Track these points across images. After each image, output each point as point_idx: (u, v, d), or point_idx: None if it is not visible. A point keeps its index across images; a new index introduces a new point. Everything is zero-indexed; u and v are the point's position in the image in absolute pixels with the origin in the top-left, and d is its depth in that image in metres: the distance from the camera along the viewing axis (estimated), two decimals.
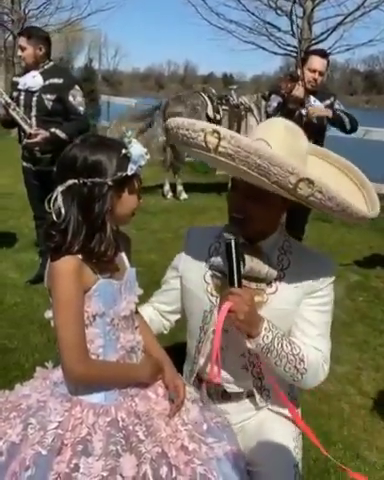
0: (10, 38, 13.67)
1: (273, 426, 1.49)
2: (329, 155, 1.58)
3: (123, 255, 1.34)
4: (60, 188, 1.17)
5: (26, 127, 3.32)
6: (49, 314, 1.22)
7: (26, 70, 3.48)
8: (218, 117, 6.81)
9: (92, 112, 11.66)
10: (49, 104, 3.37)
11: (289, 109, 3.67)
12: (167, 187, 6.81)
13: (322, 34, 9.49)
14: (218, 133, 1.21)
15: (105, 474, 1.09)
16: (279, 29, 9.97)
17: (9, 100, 3.33)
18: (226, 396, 1.52)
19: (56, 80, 3.38)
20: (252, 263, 1.37)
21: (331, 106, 3.81)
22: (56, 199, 1.16)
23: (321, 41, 9.50)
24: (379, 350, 3.13)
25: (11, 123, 3.45)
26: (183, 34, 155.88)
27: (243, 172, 1.23)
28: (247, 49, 10.77)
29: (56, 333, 1.18)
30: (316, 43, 9.41)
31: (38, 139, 3.27)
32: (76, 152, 1.18)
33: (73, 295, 1.16)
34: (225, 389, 1.51)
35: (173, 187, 6.81)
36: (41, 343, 2.82)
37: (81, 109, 3.41)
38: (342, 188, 1.35)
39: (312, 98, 3.75)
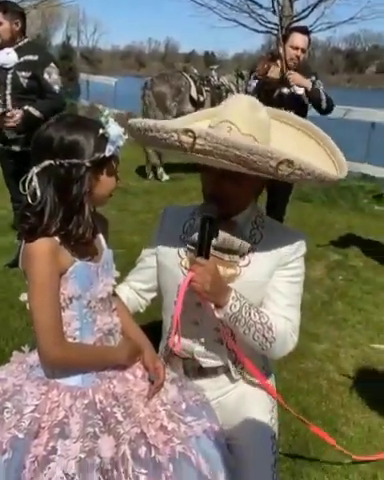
0: None
1: (250, 400, 1.53)
2: (287, 116, 1.59)
3: (100, 237, 1.33)
4: (35, 169, 1.14)
5: None
6: (24, 297, 1.20)
7: (0, 47, 3.39)
8: (201, 98, 6.77)
9: (71, 91, 11.43)
10: (24, 81, 3.29)
11: (266, 90, 3.63)
12: (148, 168, 6.75)
13: (303, 11, 9.43)
14: (192, 132, 1.21)
15: (83, 456, 1.10)
16: (260, 6, 9.88)
17: None
18: (202, 372, 1.54)
19: (31, 57, 3.30)
20: (225, 235, 1.40)
21: (312, 84, 3.75)
22: (31, 180, 1.13)
23: (302, 18, 9.44)
24: (357, 327, 3.18)
25: None
26: (164, 11, 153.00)
27: (221, 164, 1.24)
28: (228, 26, 10.70)
29: (31, 316, 1.16)
30: (297, 20, 9.33)
31: (16, 119, 3.20)
32: (52, 132, 1.15)
33: (48, 277, 1.15)
34: (201, 364, 1.54)
35: (154, 168, 6.75)
36: (20, 327, 2.81)
37: (56, 87, 3.33)
38: (309, 150, 1.43)
39: None
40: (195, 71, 6.98)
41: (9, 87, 3.29)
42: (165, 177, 6.71)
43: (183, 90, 6.67)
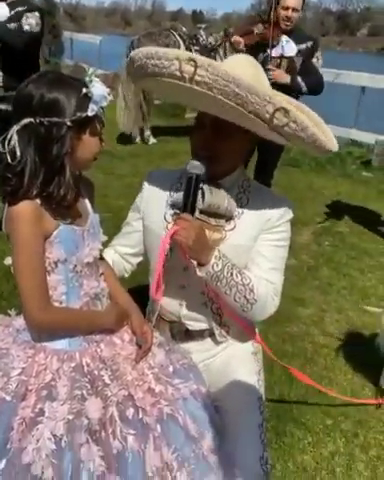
0: None
1: (236, 362, 1.55)
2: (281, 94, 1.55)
3: (86, 201, 1.30)
4: (15, 127, 1.10)
5: None
6: (9, 260, 1.18)
7: None
8: None
9: (54, 49, 11.04)
10: None
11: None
12: (135, 131, 6.61)
13: None
14: (194, 61, 1.17)
15: (71, 417, 1.11)
16: None
17: None
18: (189, 335, 1.56)
19: (20, 8, 3.22)
20: (212, 198, 1.39)
21: (306, 53, 3.52)
22: (11, 139, 1.09)
23: None
24: (342, 293, 3.22)
25: None
26: None
27: (218, 103, 1.20)
28: None
29: (16, 280, 1.15)
30: None
31: None
32: (32, 89, 1.10)
33: (32, 240, 1.13)
34: (187, 328, 1.55)
35: (141, 131, 6.61)
36: (7, 291, 2.79)
37: (26, 28, 3.20)
38: None
39: (284, 38, 3.47)
40: (184, 29, 6.74)
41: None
42: (152, 140, 6.59)
43: None
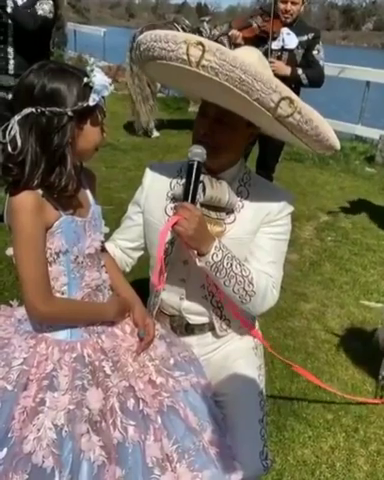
0: None
1: (237, 357, 1.55)
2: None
3: (87, 192, 1.29)
4: (17, 117, 1.10)
5: None
6: (10, 251, 1.18)
7: None
8: None
9: (58, 41, 10.97)
10: None
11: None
12: (138, 124, 6.59)
13: None
14: (202, 45, 1.15)
15: (72, 407, 1.11)
16: None
17: None
18: (189, 329, 1.56)
19: None
20: (212, 191, 1.37)
21: (307, 44, 3.51)
22: (12, 129, 1.09)
23: None
24: (344, 288, 3.22)
25: None
26: None
27: (223, 90, 1.19)
28: None
29: (18, 270, 1.14)
30: None
31: None
32: (33, 79, 1.10)
33: (33, 230, 1.12)
34: (188, 321, 1.55)
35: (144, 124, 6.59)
36: (9, 281, 2.80)
37: (40, 12, 3.20)
38: None
39: (285, 30, 3.45)
40: (187, 22, 6.69)
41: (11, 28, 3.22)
42: (155, 133, 6.57)
43: None
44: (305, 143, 1.35)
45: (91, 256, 1.24)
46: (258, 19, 3.51)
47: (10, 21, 3.17)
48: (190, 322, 1.55)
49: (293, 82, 3.38)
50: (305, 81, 3.47)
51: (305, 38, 3.52)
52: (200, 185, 1.35)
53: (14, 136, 1.09)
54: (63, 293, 1.20)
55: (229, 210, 1.44)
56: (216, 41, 6.49)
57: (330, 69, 7.20)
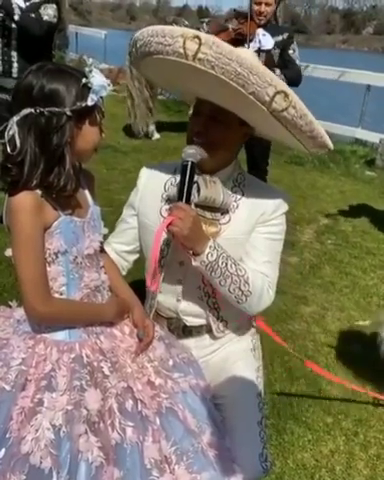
0: None
1: (235, 359, 1.55)
2: None
3: (86, 193, 1.30)
4: (15, 118, 1.10)
5: None
6: (9, 252, 1.17)
7: None
8: None
9: (59, 43, 11.00)
10: None
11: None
12: (138, 126, 6.59)
13: None
14: (199, 38, 1.16)
15: (70, 408, 1.10)
16: None
17: None
18: (187, 331, 1.55)
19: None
20: (207, 192, 1.37)
21: (282, 44, 3.52)
22: (10, 129, 1.09)
23: None
24: (344, 291, 3.22)
25: None
26: None
27: (219, 83, 1.19)
28: None
29: (16, 270, 1.14)
30: None
31: None
32: (32, 79, 1.10)
33: (32, 231, 1.12)
34: (185, 323, 1.54)
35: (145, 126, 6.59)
36: (9, 283, 2.80)
37: (46, 17, 3.25)
38: None
39: (261, 32, 3.47)
40: (186, 23, 6.70)
41: (15, 32, 3.25)
42: (156, 136, 6.57)
43: None
44: (299, 140, 1.34)
45: (90, 257, 1.24)
46: (233, 22, 3.54)
47: (14, 25, 3.21)
48: (187, 324, 1.54)
49: None
50: (284, 81, 3.49)
51: (280, 38, 3.55)
52: (194, 185, 1.35)
53: (13, 136, 1.09)
54: (62, 293, 1.20)
55: (224, 210, 1.44)
56: None
57: (330, 73, 7.23)
